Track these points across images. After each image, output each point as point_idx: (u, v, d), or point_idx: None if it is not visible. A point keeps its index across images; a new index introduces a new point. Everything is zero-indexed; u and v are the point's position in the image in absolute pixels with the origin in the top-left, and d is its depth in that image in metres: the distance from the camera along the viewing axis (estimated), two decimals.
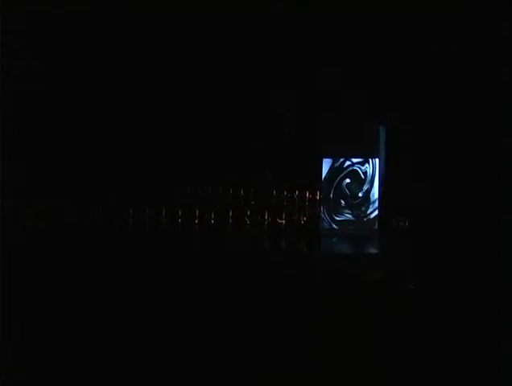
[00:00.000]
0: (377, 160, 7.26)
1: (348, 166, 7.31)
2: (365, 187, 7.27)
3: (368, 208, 7.26)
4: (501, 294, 4.85)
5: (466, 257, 5.74)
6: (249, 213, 7.23)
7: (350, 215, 7.28)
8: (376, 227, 7.24)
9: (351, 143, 7.15)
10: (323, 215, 7.24)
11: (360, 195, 7.27)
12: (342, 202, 7.27)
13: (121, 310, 4.60)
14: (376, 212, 7.26)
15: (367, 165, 7.28)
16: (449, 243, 6.22)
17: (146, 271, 5.56)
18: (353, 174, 7.32)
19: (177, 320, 4.41)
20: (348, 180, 7.31)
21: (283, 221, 7.31)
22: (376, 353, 3.97)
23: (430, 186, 6.93)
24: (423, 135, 7.04)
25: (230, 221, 7.19)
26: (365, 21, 6.76)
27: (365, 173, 7.28)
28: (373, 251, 6.98)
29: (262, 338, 4.08)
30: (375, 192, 7.26)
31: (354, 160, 7.30)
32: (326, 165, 7.29)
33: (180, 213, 7.12)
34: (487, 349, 3.98)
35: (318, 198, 7.27)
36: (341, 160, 7.30)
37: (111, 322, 4.39)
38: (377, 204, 7.25)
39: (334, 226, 7.24)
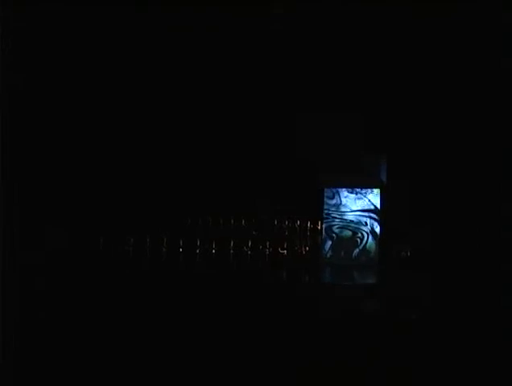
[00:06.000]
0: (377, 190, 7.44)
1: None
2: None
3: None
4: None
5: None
6: (250, 243, 7.22)
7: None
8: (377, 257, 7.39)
9: (351, 172, 7.32)
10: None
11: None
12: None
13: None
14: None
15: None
16: (450, 272, 6.24)
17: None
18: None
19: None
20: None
21: (285, 251, 7.30)
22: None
23: (431, 217, 6.92)
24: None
25: (231, 251, 7.18)
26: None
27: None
28: (375, 281, 7.03)
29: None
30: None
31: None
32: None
33: (181, 243, 7.12)
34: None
35: (319, 228, 7.26)
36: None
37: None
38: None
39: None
